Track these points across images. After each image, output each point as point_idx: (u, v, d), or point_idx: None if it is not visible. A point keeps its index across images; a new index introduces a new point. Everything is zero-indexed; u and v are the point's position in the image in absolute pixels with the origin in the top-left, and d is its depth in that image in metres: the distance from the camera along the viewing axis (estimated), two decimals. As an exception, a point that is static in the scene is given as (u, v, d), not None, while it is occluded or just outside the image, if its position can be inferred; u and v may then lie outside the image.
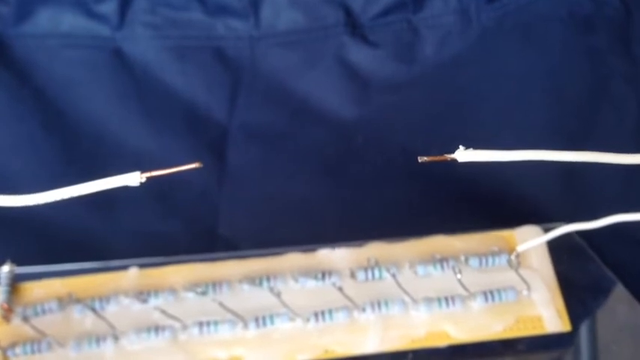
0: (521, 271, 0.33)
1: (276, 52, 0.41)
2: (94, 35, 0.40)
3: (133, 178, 0.22)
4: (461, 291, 0.33)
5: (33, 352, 0.30)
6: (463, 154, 0.23)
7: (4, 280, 0.32)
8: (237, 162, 0.42)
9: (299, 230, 0.39)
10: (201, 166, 0.23)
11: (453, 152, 0.23)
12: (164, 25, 0.41)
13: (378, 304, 0.32)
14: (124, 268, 0.34)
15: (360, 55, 0.42)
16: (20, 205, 0.23)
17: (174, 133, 0.42)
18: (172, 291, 0.33)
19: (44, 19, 0.40)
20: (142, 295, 0.32)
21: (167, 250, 0.36)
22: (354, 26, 0.41)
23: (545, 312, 0.33)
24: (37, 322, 0.31)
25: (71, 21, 0.40)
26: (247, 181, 0.42)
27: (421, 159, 0.23)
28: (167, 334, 0.31)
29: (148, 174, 0.22)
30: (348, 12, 0.41)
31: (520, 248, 0.34)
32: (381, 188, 0.42)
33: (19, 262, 0.33)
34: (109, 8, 0.40)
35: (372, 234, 0.36)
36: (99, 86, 0.41)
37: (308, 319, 0.32)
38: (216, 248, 0.40)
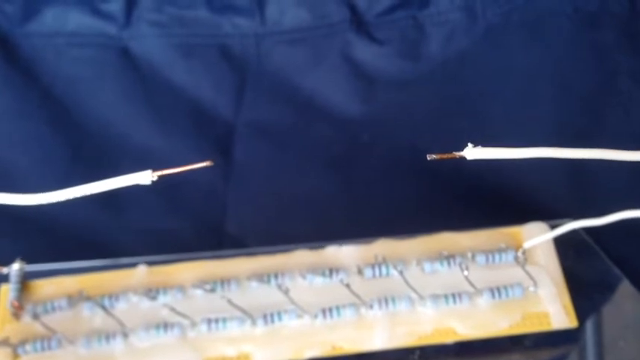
0: (528, 268, 0.33)
1: (281, 50, 0.41)
2: (101, 34, 0.40)
3: (145, 177, 0.22)
4: (467, 288, 0.33)
5: (43, 349, 0.31)
6: (472, 152, 0.23)
7: (15, 278, 0.32)
8: (243, 159, 0.42)
9: (306, 227, 0.39)
10: (212, 164, 0.23)
11: (460, 149, 0.23)
12: (170, 24, 0.41)
13: (385, 300, 0.32)
14: (133, 265, 0.34)
15: (365, 52, 0.42)
16: (32, 204, 0.23)
17: (181, 131, 0.42)
18: (181, 288, 0.33)
19: (50, 18, 0.40)
20: (151, 292, 0.32)
21: (175, 248, 0.36)
22: (359, 23, 0.41)
23: (551, 308, 0.33)
24: (47, 319, 0.31)
25: (77, 20, 0.40)
26: (254, 178, 0.42)
27: (430, 156, 0.23)
28: (176, 331, 0.31)
29: (160, 172, 0.22)
30: (353, 9, 0.41)
31: (527, 245, 0.34)
32: (388, 185, 0.42)
33: (28, 259, 0.33)
34: (115, 7, 0.40)
35: (379, 231, 0.36)
36: (105, 84, 0.41)
37: (316, 316, 0.32)
38: (224, 245, 0.40)
